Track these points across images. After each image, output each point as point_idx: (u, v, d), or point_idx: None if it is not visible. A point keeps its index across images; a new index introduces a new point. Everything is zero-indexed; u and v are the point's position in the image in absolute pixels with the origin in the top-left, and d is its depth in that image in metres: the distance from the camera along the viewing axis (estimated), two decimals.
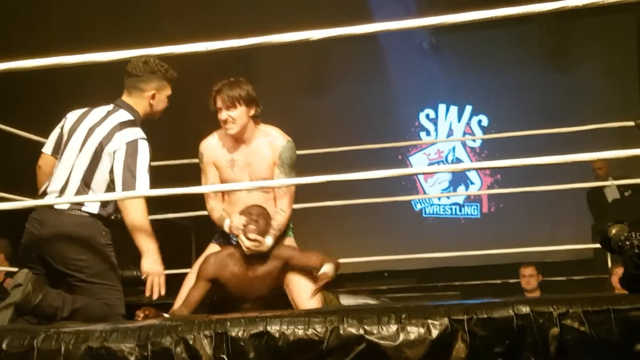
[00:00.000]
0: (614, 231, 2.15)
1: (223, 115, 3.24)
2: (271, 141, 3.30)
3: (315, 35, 2.42)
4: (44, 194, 3.05)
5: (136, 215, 2.90)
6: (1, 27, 5.77)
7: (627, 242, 2.11)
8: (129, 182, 2.90)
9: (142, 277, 2.91)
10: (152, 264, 2.90)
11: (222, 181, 3.34)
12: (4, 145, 4.70)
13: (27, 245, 2.99)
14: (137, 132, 3.02)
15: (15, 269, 3.63)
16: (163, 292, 2.94)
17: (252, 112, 3.29)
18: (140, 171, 2.93)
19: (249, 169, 3.29)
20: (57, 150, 3.12)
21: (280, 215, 3.22)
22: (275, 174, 3.26)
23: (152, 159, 3.04)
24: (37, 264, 2.93)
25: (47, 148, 3.18)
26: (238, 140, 3.31)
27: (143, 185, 2.90)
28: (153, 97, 3.14)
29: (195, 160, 5.02)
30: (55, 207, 2.93)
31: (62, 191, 2.99)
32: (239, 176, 3.30)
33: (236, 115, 3.23)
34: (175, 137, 6.33)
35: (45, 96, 5.31)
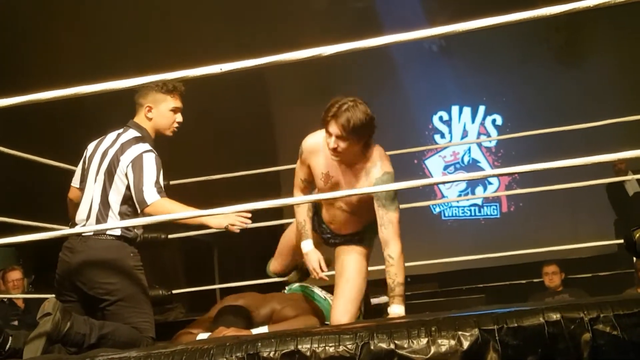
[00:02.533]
0: (638, 235, 2.13)
1: (332, 143, 2.96)
2: (368, 170, 3.06)
3: (327, 51, 2.42)
4: (74, 224, 3.13)
5: (170, 213, 2.84)
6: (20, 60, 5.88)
7: None
8: (140, 198, 2.95)
9: (225, 228, 2.94)
10: (219, 222, 2.94)
11: (314, 186, 3.26)
12: (34, 174, 4.79)
13: (61, 274, 3.06)
14: (140, 147, 3.05)
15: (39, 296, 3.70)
16: (249, 216, 2.95)
17: (363, 142, 3.03)
18: (147, 182, 2.96)
19: (340, 189, 3.09)
20: (82, 182, 3.20)
21: (391, 266, 2.96)
22: (375, 207, 3.02)
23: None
24: (71, 292, 3.01)
25: (75, 181, 3.27)
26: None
27: (151, 194, 2.93)
28: (149, 110, 3.16)
29: (217, 176, 5.12)
30: (82, 234, 2.99)
31: (87, 218, 3.07)
32: (329, 191, 3.11)
33: (345, 147, 2.96)
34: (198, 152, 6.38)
35: (72, 125, 5.40)
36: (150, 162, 3.01)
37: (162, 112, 3.17)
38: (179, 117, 3.21)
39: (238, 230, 2.95)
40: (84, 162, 3.22)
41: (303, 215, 3.24)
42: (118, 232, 3.02)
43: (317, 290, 3.60)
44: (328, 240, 3.33)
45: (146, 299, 3.06)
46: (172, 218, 2.91)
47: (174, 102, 3.18)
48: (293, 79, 8.55)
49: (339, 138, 2.94)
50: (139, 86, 2.55)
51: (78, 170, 3.27)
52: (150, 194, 2.94)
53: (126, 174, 3.01)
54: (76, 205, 3.19)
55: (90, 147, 3.23)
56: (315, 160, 3.16)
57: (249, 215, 2.95)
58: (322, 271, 3.13)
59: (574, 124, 5.13)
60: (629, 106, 6.05)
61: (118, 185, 3.04)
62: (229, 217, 2.93)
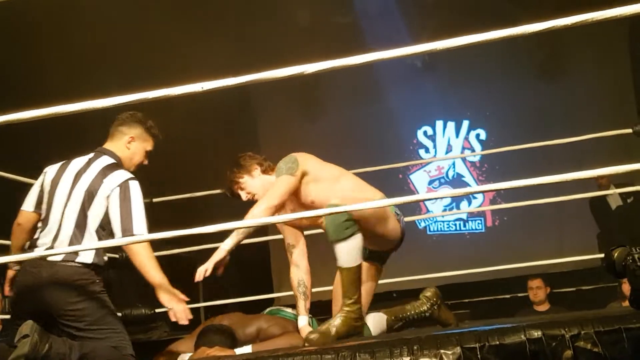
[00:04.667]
0: (616, 255, 2.14)
1: (243, 197, 3.37)
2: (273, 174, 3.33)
3: (309, 69, 2.42)
4: (34, 246, 3.03)
5: (143, 256, 2.91)
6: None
7: (629, 259, 2.10)
8: (127, 226, 2.93)
9: (168, 310, 2.95)
10: (169, 298, 2.93)
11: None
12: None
13: (21, 297, 2.99)
14: (125, 173, 3.07)
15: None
16: (190, 317, 2.96)
17: (257, 171, 3.36)
18: (136, 213, 2.96)
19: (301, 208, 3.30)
20: (40, 206, 3.11)
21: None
22: None
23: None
24: (32, 316, 2.88)
25: (28, 205, 3.15)
26: None
27: (140, 227, 2.93)
28: (131, 141, 3.20)
29: (198, 194, 5.11)
30: (49, 258, 2.91)
31: (54, 240, 2.99)
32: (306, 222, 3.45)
33: (247, 190, 3.35)
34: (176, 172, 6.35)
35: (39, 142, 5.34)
36: (137, 191, 3.02)
37: (140, 149, 3.24)
38: (146, 161, 3.29)
39: (180, 321, 2.95)
40: (43, 186, 3.13)
41: (294, 291, 3.40)
42: (89, 260, 2.96)
43: (288, 309, 3.61)
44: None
45: (116, 319, 3.05)
46: (142, 254, 2.93)
47: (150, 146, 3.27)
48: (278, 99, 8.57)
49: (239, 193, 3.35)
50: (117, 106, 2.52)
51: (32, 194, 3.15)
52: (140, 227, 2.94)
53: (108, 197, 2.98)
54: (27, 230, 3.11)
55: (51, 170, 3.15)
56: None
57: (190, 316, 2.98)
58: None
59: (557, 138, 5.17)
60: (611, 120, 6.11)
61: (97, 209, 3.00)
62: (179, 304, 2.95)
